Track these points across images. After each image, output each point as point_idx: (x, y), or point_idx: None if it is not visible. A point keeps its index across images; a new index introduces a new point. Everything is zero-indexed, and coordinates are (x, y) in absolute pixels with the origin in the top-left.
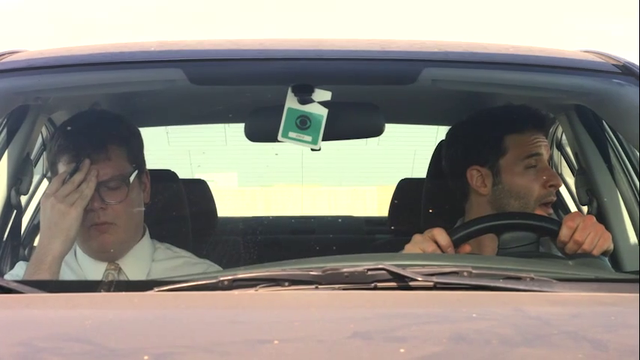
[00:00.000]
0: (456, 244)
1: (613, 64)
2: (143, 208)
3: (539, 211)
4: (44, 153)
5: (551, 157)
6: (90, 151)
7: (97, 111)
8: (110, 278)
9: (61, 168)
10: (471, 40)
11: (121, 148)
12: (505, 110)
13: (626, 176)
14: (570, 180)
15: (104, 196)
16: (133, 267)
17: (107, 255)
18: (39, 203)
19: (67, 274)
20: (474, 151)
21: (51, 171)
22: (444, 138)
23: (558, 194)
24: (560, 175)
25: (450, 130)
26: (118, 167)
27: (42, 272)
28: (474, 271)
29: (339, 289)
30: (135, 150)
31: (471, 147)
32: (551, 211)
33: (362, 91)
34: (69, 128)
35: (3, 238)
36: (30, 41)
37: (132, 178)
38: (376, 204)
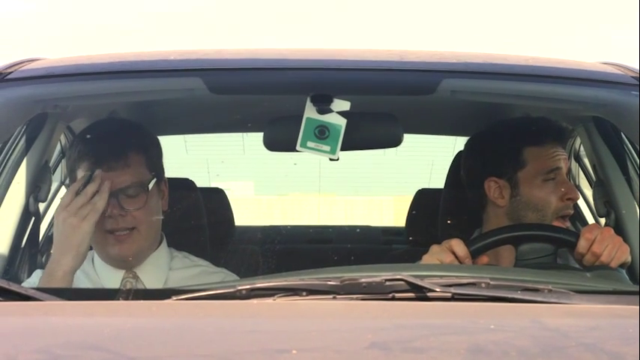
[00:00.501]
0: (474, 255)
1: (631, 76)
2: (161, 217)
3: (556, 224)
4: (63, 160)
5: (569, 170)
6: (109, 158)
7: (116, 119)
8: (128, 286)
9: (80, 175)
10: (474, 50)
11: (140, 156)
12: (524, 122)
13: None
14: (588, 192)
15: (123, 203)
16: (151, 275)
17: (125, 263)
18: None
19: (83, 282)
20: (492, 162)
21: (70, 178)
22: (461, 149)
23: (576, 206)
24: (578, 186)
25: (469, 140)
26: (137, 174)
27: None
28: (491, 283)
29: (357, 299)
30: (154, 158)
31: (489, 158)
32: (568, 223)
33: (381, 102)
34: (88, 135)
35: (21, 245)
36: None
37: (150, 186)
38: (393, 214)
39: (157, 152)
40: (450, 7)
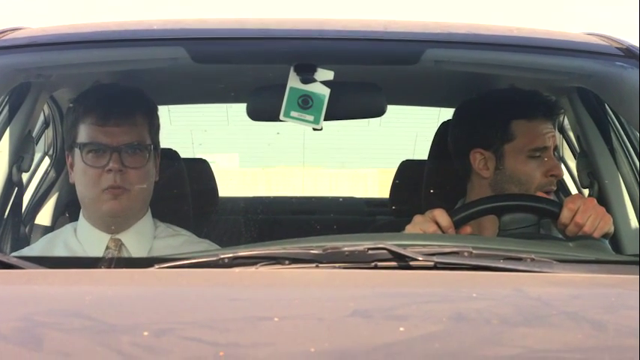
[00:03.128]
0: (457, 225)
1: (616, 47)
2: (152, 186)
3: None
4: (46, 131)
5: (555, 146)
6: (118, 114)
7: (121, 84)
8: (111, 255)
9: (83, 129)
10: (459, 20)
11: (145, 119)
12: (515, 94)
13: (628, 159)
14: (572, 162)
15: (124, 160)
16: (135, 243)
17: (113, 222)
18: (40, 180)
19: (65, 254)
20: (479, 133)
21: (69, 135)
22: (445, 119)
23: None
24: (562, 157)
25: (457, 108)
26: (142, 135)
27: None
28: (474, 252)
29: (339, 267)
30: (155, 126)
31: (476, 129)
32: (552, 197)
33: (364, 71)
34: (95, 93)
35: (4, 215)
36: (32, 18)
37: (151, 149)
38: (377, 187)
39: (157, 122)
40: None
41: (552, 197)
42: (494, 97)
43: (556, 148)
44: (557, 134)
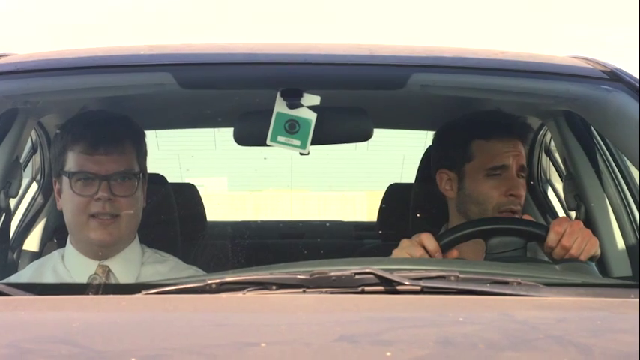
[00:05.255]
0: (444, 248)
1: (601, 70)
2: (141, 212)
3: (526, 217)
4: (34, 157)
5: (521, 167)
6: (107, 142)
7: (109, 111)
8: (98, 281)
9: (72, 157)
10: (465, 47)
11: (133, 147)
12: (477, 116)
13: (614, 182)
14: (558, 185)
15: (113, 189)
16: (123, 269)
17: (100, 252)
18: (28, 206)
19: (52, 280)
20: (444, 154)
21: (57, 163)
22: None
23: (546, 199)
24: (549, 180)
25: (435, 132)
26: (130, 163)
27: None
28: (461, 276)
29: (326, 292)
30: (142, 153)
31: (443, 150)
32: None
33: (351, 96)
34: (83, 121)
35: None
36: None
37: (140, 177)
38: (365, 210)
39: (145, 149)
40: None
41: (518, 217)
42: (462, 119)
43: (522, 169)
44: (544, 157)
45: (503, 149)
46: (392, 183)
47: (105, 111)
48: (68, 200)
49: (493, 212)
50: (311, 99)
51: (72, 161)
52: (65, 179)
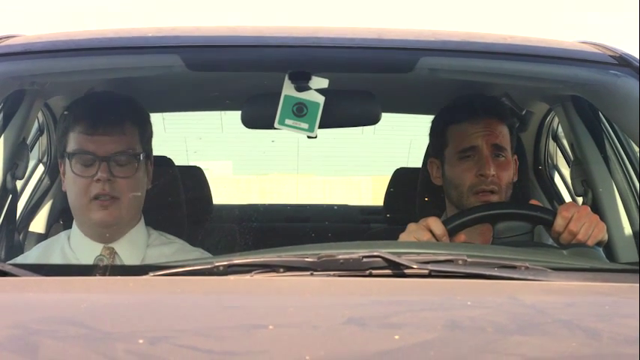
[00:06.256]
0: (451, 233)
1: (610, 55)
2: (144, 194)
3: (473, 200)
4: (40, 138)
5: (495, 145)
6: (106, 123)
7: (113, 92)
8: (105, 262)
9: (73, 138)
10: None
11: (135, 128)
12: (455, 101)
13: (622, 167)
14: (566, 171)
15: (112, 169)
16: (128, 251)
17: (105, 231)
18: (34, 188)
19: (59, 261)
20: (430, 142)
21: (59, 143)
22: None
23: (553, 184)
24: (556, 166)
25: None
26: (131, 144)
27: None
28: (468, 260)
29: (334, 275)
30: (146, 134)
31: (430, 139)
32: (487, 199)
33: (359, 79)
34: (86, 102)
35: None
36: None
37: (141, 159)
38: (371, 194)
39: (149, 130)
40: None
41: (490, 199)
42: (444, 107)
43: (498, 147)
44: (552, 142)
45: (471, 130)
46: (398, 167)
47: (109, 92)
48: (70, 182)
49: (468, 194)
50: (319, 82)
51: (73, 142)
52: (67, 160)
